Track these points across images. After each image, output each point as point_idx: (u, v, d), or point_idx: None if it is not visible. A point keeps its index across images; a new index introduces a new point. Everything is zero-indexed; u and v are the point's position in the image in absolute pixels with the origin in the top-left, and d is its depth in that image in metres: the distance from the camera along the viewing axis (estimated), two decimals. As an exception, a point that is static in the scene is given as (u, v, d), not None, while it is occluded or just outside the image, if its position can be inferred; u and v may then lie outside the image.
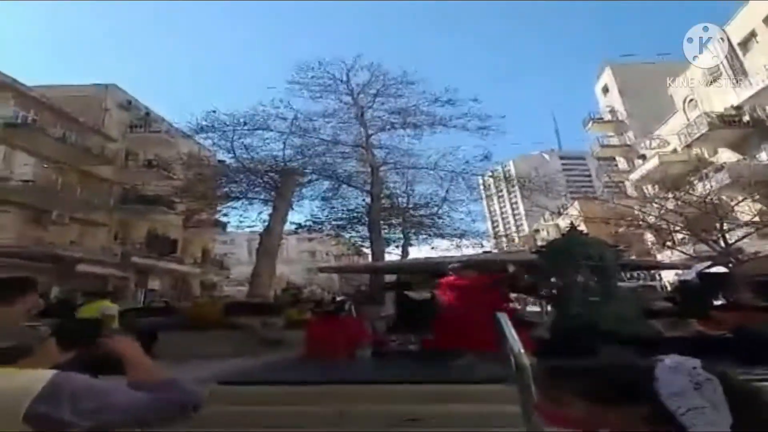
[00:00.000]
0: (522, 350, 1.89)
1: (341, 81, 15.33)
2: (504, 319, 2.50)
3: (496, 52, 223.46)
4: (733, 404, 0.70)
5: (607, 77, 33.78)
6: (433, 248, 18.67)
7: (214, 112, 14.49)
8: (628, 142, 29.89)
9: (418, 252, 19.92)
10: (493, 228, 76.75)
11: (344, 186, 16.25)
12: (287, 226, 15.75)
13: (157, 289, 23.17)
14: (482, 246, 17.82)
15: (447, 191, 16.38)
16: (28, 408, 0.83)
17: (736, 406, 0.70)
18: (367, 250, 18.05)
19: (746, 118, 19.65)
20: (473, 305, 4.54)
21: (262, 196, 15.17)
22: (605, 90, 34.25)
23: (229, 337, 6.00)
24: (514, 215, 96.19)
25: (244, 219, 16.62)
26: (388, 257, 15.94)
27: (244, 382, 3.57)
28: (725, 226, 16.62)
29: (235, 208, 16.63)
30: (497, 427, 2.36)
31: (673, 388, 0.74)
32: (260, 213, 15.69)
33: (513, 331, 2.32)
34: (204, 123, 14.53)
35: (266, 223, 13.79)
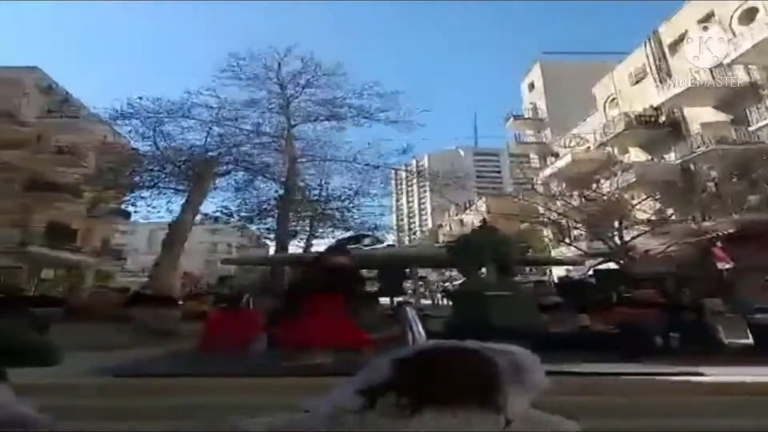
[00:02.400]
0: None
1: (271, 70, 15.38)
2: (411, 311, 2.69)
3: (427, 48, 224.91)
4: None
5: (534, 74, 33.13)
6: None
7: (140, 98, 14.21)
8: (545, 140, 29.75)
9: (322, 245, 19.84)
10: (398, 222, 73.25)
11: (259, 177, 16.00)
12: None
13: (50, 279, 22.44)
14: (386, 239, 17.73)
15: (361, 184, 16.57)
16: None
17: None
18: (272, 243, 17.88)
19: (663, 118, 19.70)
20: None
21: (173, 186, 14.78)
22: (531, 87, 33.67)
23: (122, 329, 5.90)
24: (420, 210, 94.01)
25: (153, 209, 15.95)
26: (291, 250, 16.02)
27: (137, 375, 3.57)
28: (624, 224, 16.74)
29: (143, 197, 15.73)
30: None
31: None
32: (169, 203, 15.38)
33: (419, 326, 2.68)
34: (125, 109, 14.22)
35: (176, 214, 13.45)
